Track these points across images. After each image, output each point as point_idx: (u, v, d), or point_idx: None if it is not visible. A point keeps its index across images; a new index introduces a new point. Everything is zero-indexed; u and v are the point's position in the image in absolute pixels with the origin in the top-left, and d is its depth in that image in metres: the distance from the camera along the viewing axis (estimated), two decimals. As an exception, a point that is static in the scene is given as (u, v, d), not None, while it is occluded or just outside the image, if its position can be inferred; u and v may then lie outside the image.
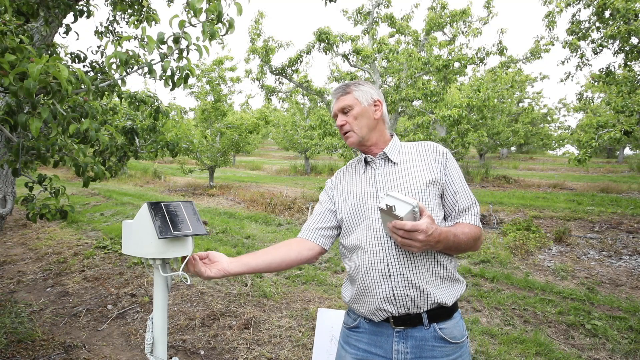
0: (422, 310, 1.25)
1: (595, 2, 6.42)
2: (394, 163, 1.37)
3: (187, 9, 1.84)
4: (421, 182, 1.30)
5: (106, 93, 2.42)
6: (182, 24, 1.84)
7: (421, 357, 1.25)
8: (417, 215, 1.13)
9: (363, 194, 1.36)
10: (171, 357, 1.40)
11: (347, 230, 1.38)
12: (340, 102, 1.40)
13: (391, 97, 7.33)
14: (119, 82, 2.14)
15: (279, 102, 9.19)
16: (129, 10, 3.90)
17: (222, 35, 1.97)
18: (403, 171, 1.34)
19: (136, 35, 3.80)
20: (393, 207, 1.11)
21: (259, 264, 1.36)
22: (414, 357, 1.25)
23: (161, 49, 1.90)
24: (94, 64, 3.34)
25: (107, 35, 4.19)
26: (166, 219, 1.20)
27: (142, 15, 3.75)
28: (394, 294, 1.25)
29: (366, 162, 1.42)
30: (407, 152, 1.40)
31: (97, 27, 4.13)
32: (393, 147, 1.40)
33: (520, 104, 22.39)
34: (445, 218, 1.34)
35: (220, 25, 1.93)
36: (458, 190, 1.32)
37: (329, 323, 2.07)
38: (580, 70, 7.95)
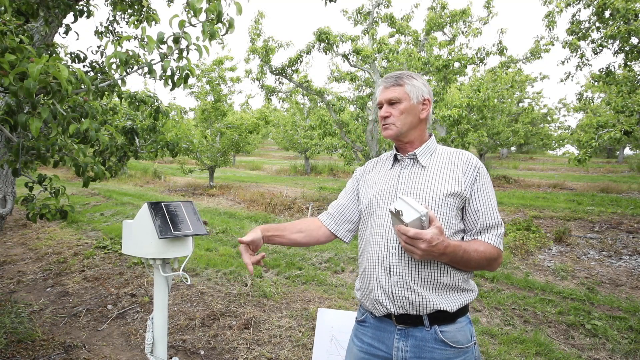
0: (421, 313, 1.25)
1: (595, 2, 6.42)
2: (423, 167, 1.34)
3: (187, 9, 1.84)
4: (441, 192, 1.27)
5: (106, 93, 2.42)
6: (182, 24, 1.84)
7: (420, 357, 1.25)
8: (425, 224, 1.13)
9: (382, 190, 1.37)
10: (171, 357, 1.40)
11: (363, 222, 1.41)
12: (389, 92, 1.35)
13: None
14: (119, 82, 2.14)
15: (279, 102, 9.18)
16: (129, 10, 3.90)
17: (222, 35, 1.97)
18: (427, 177, 1.31)
19: (136, 35, 3.80)
20: (400, 212, 1.12)
21: (286, 243, 1.47)
22: (413, 356, 1.25)
23: (161, 49, 1.90)
24: (94, 64, 3.34)
25: (107, 35, 4.19)
26: (166, 219, 1.20)
27: (142, 15, 3.75)
28: (392, 292, 1.26)
29: (395, 159, 1.42)
30: (439, 158, 1.36)
31: (97, 27, 4.12)
32: (426, 149, 1.37)
33: (520, 104, 22.38)
34: (465, 232, 1.31)
35: (220, 25, 1.93)
36: (481, 209, 1.27)
37: (329, 323, 2.07)
38: (580, 70, 7.94)
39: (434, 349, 1.24)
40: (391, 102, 1.35)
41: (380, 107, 1.39)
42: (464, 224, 1.30)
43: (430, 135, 1.42)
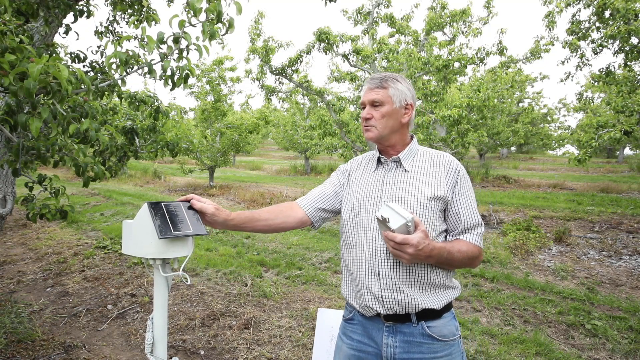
0: (410, 312, 1.29)
1: (595, 2, 6.41)
2: (406, 171, 1.36)
3: (187, 9, 1.84)
4: (425, 196, 1.29)
5: (106, 93, 2.42)
6: (182, 24, 1.84)
7: (409, 351, 1.29)
8: (411, 229, 1.16)
9: (367, 194, 1.37)
10: (171, 357, 1.40)
11: (348, 225, 1.41)
12: (373, 93, 1.35)
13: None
14: (119, 82, 2.14)
15: (279, 102, 9.18)
16: (129, 10, 3.90)
17: (222, 35, 1.97)
18: (411, 181, 1.33)
19: (136, 35, 3.80)
20: (387, 219, 1.15)
21: (255, 230, 1.42)
22: (402, 351, 1.29)
23: (161, 49, 1.90)
24: (94, 64, 3.34)
25: (107, 35, 4.19)
26: (166, 219, 1.19)
27: (142, 15, 3.75)
28: (382, 295, 1.29)
29: (379, 161, 1.43)
30: (421, 161, 1.38)
31: (97, 27, 4.12)
32: (409, 152, 1.39)
33: (520, 104, 22.38)
34: (447, 232, 1.35)
35: (220, 25, 1.93)
36: (462, 211, 1.31)
37: (329, 323, 2.07)
38: (580, 70, 7.94)
39: (422, 344, 1.29)
40: (374, 104, 1.35)
41: (363, 108, 1.39)
42: (446, 225, 1.35)
43: (412, 138, 1.43)
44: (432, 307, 1.28)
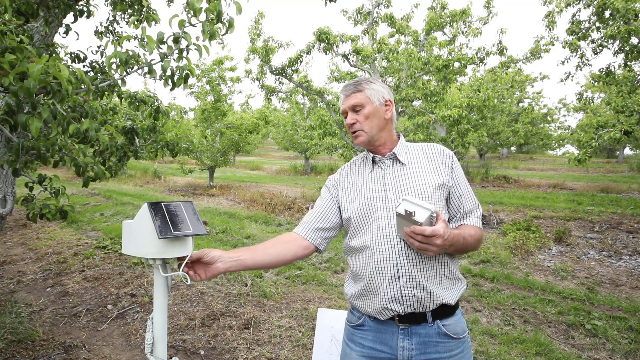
0: (427, 309, 1.28)
1: (595, 2, 6.41)
2: (403, 164, 1.36)
3: (187, 9, 1.84)
4: (431, 185, 1.30)
5: (106, 93, 2.43)
6: (182, 24, 1.85)
7: (426, 352, 1.27)
8: (433, 220, 1.15)
9: (371, 194, 1.35)
10: (171, 357, 1.40)
11: (355, 230, 1.37)
12: (351, 99, 1.36)
13: (391, 97, 7.30)
14: (119, 82, 2.14)
15: (279, 102, 9.18)
16: (129, 10, 3.90)
17: (222, 35, 1.97)
18: (412, 173, 1.34)
19: (136, 35, 3.79)
20: (413, 213, 1.12)
21: (256, 263, 1.33)
22: (419, 353, 1.27)
23: (161, 48, 1.90)
24: (94, 64, 3.34)
25: (107, 35, 4.19)
26: (166, 219, 1.19)
27: (142, 15, 3.75)
28: (401, 293, 1.26)
29: (373, 161, 1.41)
30: (414, 153, 1.39)
31: (97, 27, 4.13)
32: (401, 147, 1.40)
33: (520, 104, 22.37)
34: (449, 219, 1.36)
35: (220, 25, 1.93)
36: (463, 193, 1.34)
37: (329, 323, 2.07)
38: (580, 70, 7.94)
39: (438, 343, 1.28)
40: (355, 109, 1.36)
41: (346, 116, 1.39)
42: (449, 212, 1.36)
43: (399, 135, 1.44)
44: (448, 302, 1.28)
